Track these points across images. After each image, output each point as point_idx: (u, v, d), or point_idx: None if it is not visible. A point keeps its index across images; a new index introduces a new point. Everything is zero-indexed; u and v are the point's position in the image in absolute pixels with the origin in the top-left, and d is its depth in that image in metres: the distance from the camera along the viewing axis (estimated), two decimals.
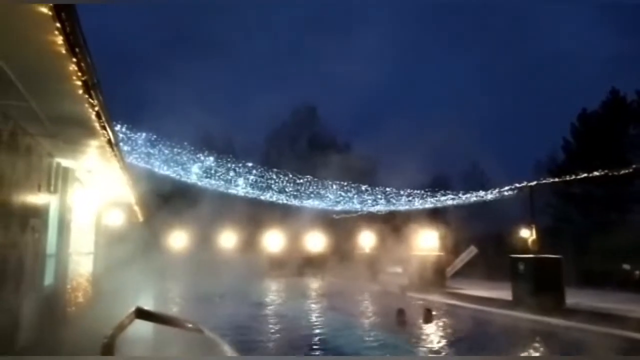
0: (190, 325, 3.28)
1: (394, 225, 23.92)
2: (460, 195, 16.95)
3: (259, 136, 42.88)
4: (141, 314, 3.90)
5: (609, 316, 11.52)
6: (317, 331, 11.89)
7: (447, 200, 17.72)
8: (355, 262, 26.08)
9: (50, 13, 3.60)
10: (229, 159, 13.73)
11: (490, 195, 16.83)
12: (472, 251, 23.44)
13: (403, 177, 21.97)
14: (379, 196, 16.75)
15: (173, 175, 14.46)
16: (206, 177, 14.77)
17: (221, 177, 14.61)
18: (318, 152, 37.08)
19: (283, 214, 27.86)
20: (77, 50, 4.25)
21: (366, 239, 26.44)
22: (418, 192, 16.73)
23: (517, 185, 15.28)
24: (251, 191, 16.76)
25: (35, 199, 8.10)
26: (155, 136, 11.32)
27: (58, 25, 3.71)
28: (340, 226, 29.58)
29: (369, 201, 17.41)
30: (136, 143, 12.21)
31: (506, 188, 15.56)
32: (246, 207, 23.90)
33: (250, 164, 14.17)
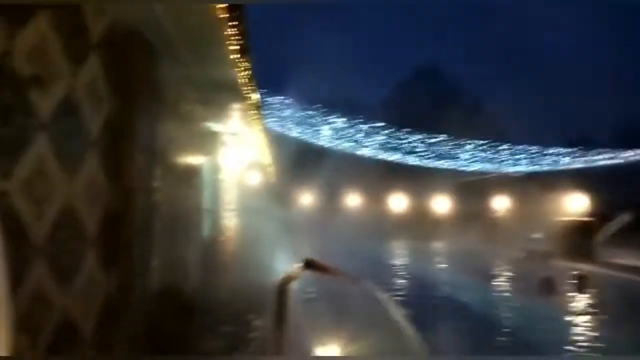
0: (357, 280, 3.26)
1: (533, 187, 21.99)
2: (617, 153, 14.77)
3: (381, 96, 42.00)
4: (310, 265, 4.02)
5: None
6: (459, 299, 11.56)
7: (601, 159, 15.59)
8: (488, 226, 24.76)
9: None
10: (358, 120, 13.62)
11: None
12: (623, 219, 20.73)
13: (541, 136, 19.91)
14: (521, 155, 15.30)
15: (304, 137, 14.93)
16: (336, 139, 14.96)
17: (350, 138, 14.64)
18: (444, 110, 35.26)
19: (409, 176, 27.39)
20: (236, 13, 4.39)
21: (500, 202, 24.84)
22: (565, 150, 14.92)
23: None
24: (379, 152, 16.58)
25: (194, 160, 8.96)
26: (288, 99, 11.65)
27: None
28: (471, 189, 28.16)
29: (509, 161, 16.05)
30: (272, 106, 12.75)
31: None
32: (372, 168, 23.94)
33: (379, 124, 13.88)
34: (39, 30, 3.28)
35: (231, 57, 5.52)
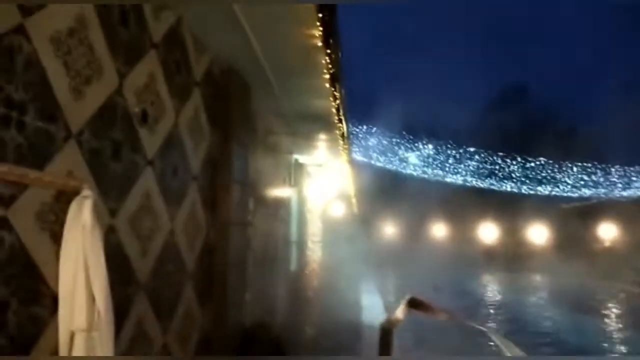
0: (465, 320, 2.83)
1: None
2: None
3: (467, 122, 40.33)
4: (414, 304, 3.63)
5: None
6: (568, 340, 10.28)
7: None
8: (591, 257, 22.33)
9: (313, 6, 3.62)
10: (447, 146, 12.97)
11: None
12: None
13: None
14: (634, 178, 13.60)
15: (390, 166, 14.57)
16: (424, 167, 14.41)
17: (439, 165, 14.01)
18: (535, 133, 33.00)
19: (504, 203, 25.69)
20: (331, 41, 4.28)
21: (608, 231, 22.36)
22: None
23: None
24: (471, 179, 15.66)
25: (281, 192, 8.98)
26: (374, 128, 11.41)
27: (320, 15, 3.72)
28: (571, 216, 25.74)
29: (619, 184, 14.37)
30: (357, 136, 12.62)
31: None
32: (461, 196, 22.81)
33: (472, 149, 13.08)
34: (149, 68, 3.36)
35: (323, 86, 5.43)
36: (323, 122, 7.32)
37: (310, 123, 7.47)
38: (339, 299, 11.98)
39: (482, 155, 13.11)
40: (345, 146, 8.75)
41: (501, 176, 14.24)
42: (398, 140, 12.30)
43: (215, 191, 4.81)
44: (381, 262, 21.81)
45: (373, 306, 12.11)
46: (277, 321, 8.33)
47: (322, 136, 8.57)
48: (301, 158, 10.64)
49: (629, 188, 14.38)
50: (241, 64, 4.90)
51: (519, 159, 12.99)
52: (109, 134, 2.87)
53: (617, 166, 13.09)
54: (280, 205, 8.85)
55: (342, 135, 7.86)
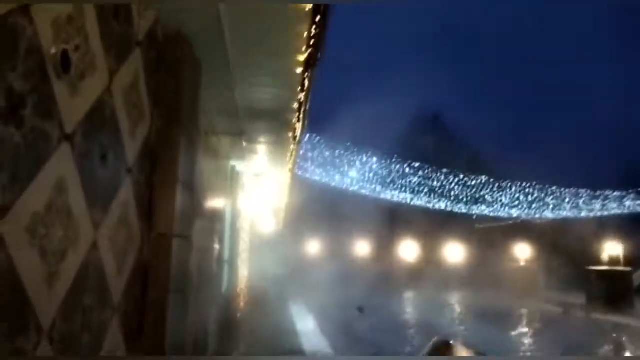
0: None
1: (556, 234, 20.81)
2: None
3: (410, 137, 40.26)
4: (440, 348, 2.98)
5: None
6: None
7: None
8: (507, 276, 23.33)
9: None
10: (392, 160, 12.52)
11: None
12: None
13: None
14: (567, 199, 14.19)
15: (327, 180, 13.84)
16: (363, 181, 13.86)
17: (379, 180, 13.53)
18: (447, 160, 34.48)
19: (433, 222, 26.03)
20: (320, 13, 3.38)
21: (522, 251, 23.49)
22: (617, 193, 13.83)
23: None
24: (410, 195, 15.41)
25: (219, 203, 7.77)
26: (317, 137, 10.61)
27: None
28: (485, 236, 26.90)
29: (552, 205, 14.94)
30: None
31: None
32: (396, 213, 22.73)
33: (417, 164, 12.75)
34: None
35: (292, 72, 4.48)
36: (275, 121, 6.35)
37: (260, 121, 6.44)
38: (272, 325, 10.87)
39: (426, 171, 12.91)
40: (294, 152, 7.80)
41: (440, 193, 14.14)
42: (341, 152, 11.61)
43: (154, 192, 3.62)
44: (310, 281, 20.93)
45: (308, 331, 11.11)
46: (210, 346, 7.07)
47: (273, 138, 7.53)
48: (239, 166, 9.46)
49: (559, 210, 15.10)
50: (193, 29, 3.77)
51: (461, 176, 13.00)
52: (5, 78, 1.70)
53: (554, 187, 13.66)
54: (217, 217, 7.63)
55: (295, 138, 6.91)
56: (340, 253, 27.84)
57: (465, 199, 14.14)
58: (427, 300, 22.41)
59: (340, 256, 27.52)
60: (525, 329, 15.69)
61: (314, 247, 26.98)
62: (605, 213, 17.17)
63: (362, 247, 29.49)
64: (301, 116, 5.78)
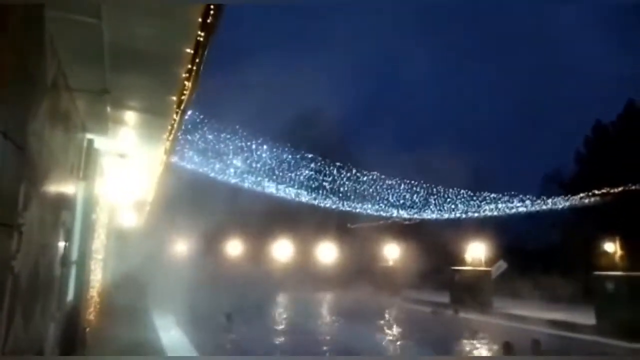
0: None
1: (428, 234, 21.87)
2: (543, 200, 14.98)
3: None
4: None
5: None
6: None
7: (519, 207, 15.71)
8: (377, 276, 23.96)
9: None
10: (286, 150, 11.34)
11: (567, 203, 15.01)
12: (501, 266, 21.40)
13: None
14: (448, 199, 14.54)
15: (206, 169, 12.15)
16: (248, 172, 12.48)
17: (267, 171, 12.28)
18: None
19: (299, 219, 25.46)
20: None
21: (391, 251, 24.30)
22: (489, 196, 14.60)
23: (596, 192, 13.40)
24: (297, 190, 14.40)
25: (68, 187, 5.85)
26: (200, 116, 8.92)
27: None
28: (358, 236, 27.41)
29: (434, 205, 15.24)
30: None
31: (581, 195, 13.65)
32: (265, 210, 21.61)
33: (310, 155, 11.75)
34: None
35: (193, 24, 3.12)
36: (155, 75, 4.81)
37: (134, 73, 4.82)
38: (129, 341, 8.96)
39: (320, 163, 12.08)
40: (176, 126, 6.24)
41: (329, 189, 13.45)
42: (227, 136, 10.05)
43: None
44: (178, 285, 18.78)
45: (174, 346, 9.42)
46: None
47: (144, 104, 5.88)
48: (98, 141, 7.48)
49: (440, 210, 15.59)
50: None
51: (354, 171, 12.50)
52: None
53: (440, 187, 14.01)
54: (64, 205, 5.73)
55: (180, 105, 5.40)
56: (213, 252, 26.02)
57: (353, 196, 13.79)
58: (299, 302, 21.88)
59: (213, 256, 25.72)
60: (398, 329, 15.94)
61: (184, 245, 24.67)
62: (487, 214, 18.24)
63: (237, 246, 28.02)
64: (194, 70, 4.36)
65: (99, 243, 11.38)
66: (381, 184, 13.00)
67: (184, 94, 4.91)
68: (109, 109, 5.90)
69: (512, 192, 14.86)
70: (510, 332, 12.80)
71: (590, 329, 12.36)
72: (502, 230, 22.39)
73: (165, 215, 20.70)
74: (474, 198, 14.56)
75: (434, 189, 13.71)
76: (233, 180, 13.42)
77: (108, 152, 8.27)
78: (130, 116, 6.22)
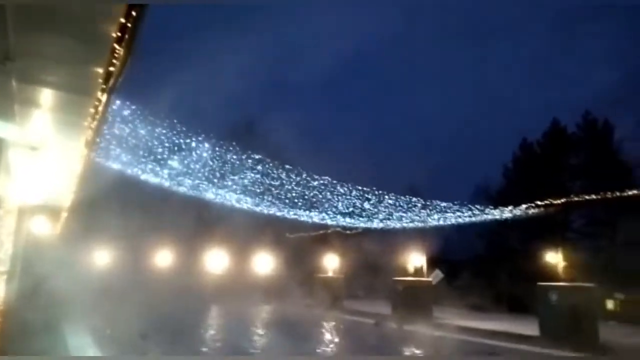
0: None
1: (366, 244, 21.51)
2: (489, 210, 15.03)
3: None
4: None
5: None
6: None
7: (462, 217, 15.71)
8: (317, 287, 23.27)
9: None
10: (229, 149, 10.26)
11: (508, 214, 15.21)
12: (438, 275, 21.55)
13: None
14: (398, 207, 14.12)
15: (135, 170, 10.78)
16: (184, 175, 11.25)
17: (209, 173, 11.10)
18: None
19: (236, 227, 24.17)
20: None
21: (331, 261, 23.71)
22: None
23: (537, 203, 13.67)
24: (238, 196, 13.24)
25: None
26: (132, 106, 7.69)
27: None
28: (297, 246, 26.56)
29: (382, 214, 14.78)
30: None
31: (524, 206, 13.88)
32: (201, 217, 20.22)
33: (257, 156, 10.71)
34: None
35: None
36: (76, 42, 3.79)
37: (49, 36, 3.77)
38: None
39: (267, 165, 11.09)
40: (102, 109, 5.15)
41: (275, 195, 12.50)
42: (164, 131, 8.78)
43: None
44: (96, 302, 16.88)
45: None
46: None
47: (62, 79, 4.75)
48: (2, 129, 6.12)
49: (389, 219, 15.16)
50: None
51: (304, 176, 11.68)
52: None
53: (392, 194, 13.57)
54: None
55: (108, 81, 4.36)
56: (141, 263, 24.04)
57: (300, 203, 12.98)
58: (232, 317, 20.66)
59: (141, 267, 23.75)
60: (343, 343, 15.28)
61: (108, 256, 22.48)
62: (436, 224, 18.06)
63: (167, 256, 26.20)
64: (130, 29, 3.41)
65: (3, 253, 9.70)
66: (332, 189, 12.37)
67: (114, 64, 3.90)
68: (14, 84, 4.71)
69: (456, 202, 14.91)
70: (461, 346, 12.62)
71: (535, 340, 12.43)
72: (431, 241, 22.49)
73: (87, 222, 18.69)
74: (426, 207, 14.40)
75: (385, 197, 13.31)
76: (167, 184, 12.14)
77: (15, 143, 6.88)
78: (43, 95, 5.04)
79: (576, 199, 22.01)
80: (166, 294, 21.14)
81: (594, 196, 18.84)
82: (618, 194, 16.92)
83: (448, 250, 27.18)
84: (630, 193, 16.21)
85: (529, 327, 13.44)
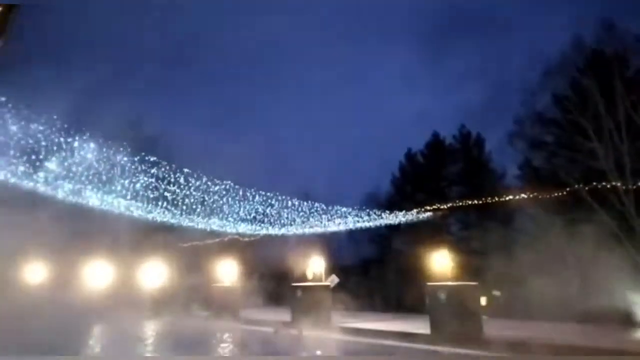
0: None
1: (265, 251, 21.23)
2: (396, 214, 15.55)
3: None
4: None
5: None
6: None
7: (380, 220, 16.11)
8: (213, 298, 22.30)
9: None
10: (121, 151, 9.15)
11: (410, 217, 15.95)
12: (334, 280, 22.08)
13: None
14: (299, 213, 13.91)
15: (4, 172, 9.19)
16: (62, 178, 9.88)
17: (86, 177, 9.82)
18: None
19: (119, 239, 22.30)
20: None
21: (228, 270, 22.89)
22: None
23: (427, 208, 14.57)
24: (132, 201, 11.99)
25: None
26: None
27: None
28: (191, 256, 25.20)
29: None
30: None
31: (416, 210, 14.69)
32: (80, 225, 18.21)
33: (153, 158, 9.69)
34: None
35: None
36: None
37: None
38: None
39: (164, 169, 10.01)
40: None
41: (171, 201, 11.45)
42: (39, 128, 7.39)
43: None
44: None
45: None
46: None
47: None
48: None
49: (290, 225, 14.88)
50: None
51: (204, 179, 10.78)
52: None
53: (295, 199, 13.28)
54: None
55: None
56: (8, 280, 20.95)
57: (198, 210, 12.15)
58: (116, 335, 18.87)
59: (7, 284, 20.68)
60: (233, 352, 14.76)
61: None
62: (335, 229, 18.22)
63: (40, 271, 23.30)
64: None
65: None
66: (234, 194, 11.83)
67: None
68: None
69: (355, 208, 15.37)
70: (360, 348, 12.88)
71: (427, 338, 13.19)
72: (328, 246, 22.95)
73: None
74: (328, 212, 14.55)
75: (289, 202, 13.14)
76: (42, 188, 10.60)
77: None
78: None
79: (452, 204, 24.22)
80: (41, 313, 18.66)
81: (468, 202, 20.76)
82: (489, 200, 18.86)
83: (341, 255, 28.01)
84: (496, 200, 18.19)
85: (421, 326, 14.28)
